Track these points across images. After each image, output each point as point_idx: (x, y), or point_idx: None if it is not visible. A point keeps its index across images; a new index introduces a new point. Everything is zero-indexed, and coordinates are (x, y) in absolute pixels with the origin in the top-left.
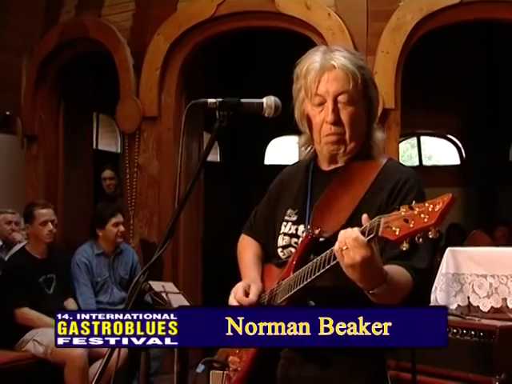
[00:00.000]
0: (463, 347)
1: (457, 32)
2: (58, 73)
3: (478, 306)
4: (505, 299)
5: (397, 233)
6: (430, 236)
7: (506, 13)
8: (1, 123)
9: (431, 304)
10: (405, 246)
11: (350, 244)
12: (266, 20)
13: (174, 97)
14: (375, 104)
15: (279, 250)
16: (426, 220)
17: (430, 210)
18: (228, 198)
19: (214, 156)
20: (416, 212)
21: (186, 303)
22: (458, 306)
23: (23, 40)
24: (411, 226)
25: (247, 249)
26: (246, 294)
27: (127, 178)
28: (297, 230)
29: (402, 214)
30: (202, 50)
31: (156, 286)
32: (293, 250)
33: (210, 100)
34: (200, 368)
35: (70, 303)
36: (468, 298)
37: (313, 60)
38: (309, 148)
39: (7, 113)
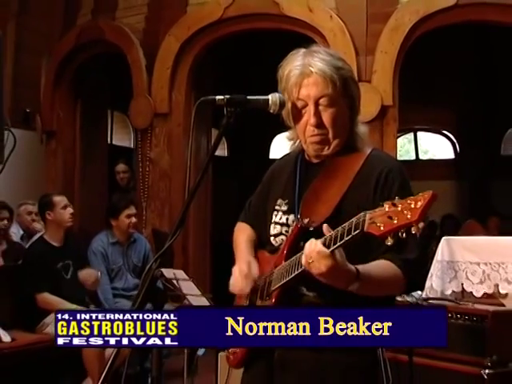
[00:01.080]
0: (457, 330)
1: (453, 32)
2: (75, 72)
3: (471, 292)
4: (497, 285)
5: (381, 228)
6: (413, 232)
7: (500, 15)
8: (21, 120)
9: (427, 290)
10: (389, 241)
11: (314, 257)
12: (271, 22)
13: (184, 94)
14: (356, 100)
15: (271, 238)
16: (408, 216)
17: (412, 206)
18: (235, 189)
19: (222, 151)
20: (399, 208)
21: (196, 290)
22: (453, 291)
23: (43, 41)
24: (395, 222)
25: (241, 235)
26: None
27: (140, 171)
28: (287, 219)
29: (386, 210)
30: (211, 50)
31: (167, 273)
32: (284, 238)
33: (218, 97)
34: (201, 351)
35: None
36: (462, 284)
37: (293, 66)
38: (297, 142)
39: (27, 110)
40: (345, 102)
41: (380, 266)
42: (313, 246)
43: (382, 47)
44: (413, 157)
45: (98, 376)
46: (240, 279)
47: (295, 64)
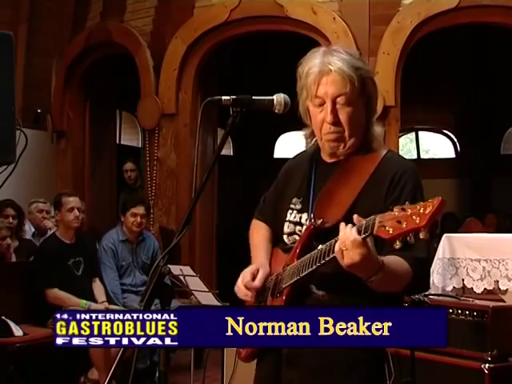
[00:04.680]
0: (458, 326)
1: (452, 33)
2: (84, 74)
3: (471, 288)
4: (497, 281)
5: (390, 232)
6: (421, 237)
7: (499, 17)
8: (33, 120)
9: (429, 288)
10: (397, 245)
11: (349, 245)
12: (275, 24)
13: (191, 95)
14: (374, 100)
15: (285, 236)
16: (417, 221)
17: (420, 212)
18: (240, 188)
19: (228, 150)
20: (408, 213)
21: (203, 286)
22: (454, 288)
23: (53, 44)
24: (404, 226)
25: (257, 232)
26: (254, 279)
27: (147, 170)
28: (301, 218)
29: (396, 214)
30: (217, 52)
31: (174, 269)
32: (297, 237)
33: (224, 97)
34: None
35: (97, 285)
36: (463, 280)
37: (312, 64)
38: (314, 139)
39: (38, 111)
40: (362, 101)
41: (396, 261)
42: (348, 234)
43: (384, 49)
44: (414, 156)
45: (103, 368)
46: (242, 288)
47: (315, 62)
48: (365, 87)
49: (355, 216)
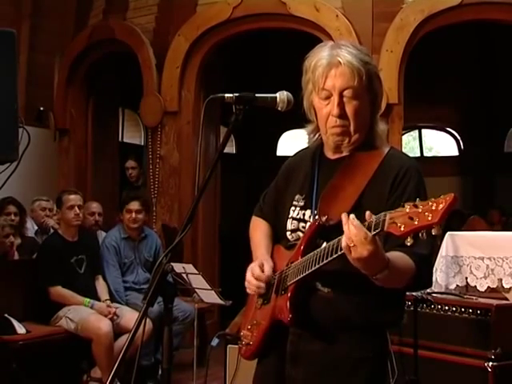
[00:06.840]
0: (462, 324)
1: (456, 32)
2: (87, 71)
3: (475, 286)
4: (500, 280)
5: (402, 229)
6: (434, 233)
7: (503, 14)
8: (35, 118)
9: (432, 285)
10: (409, 242)
11: (357, 241)
12: (278, 21)
13: (193, 93)
14: (379, 97)
15: (288, 233)
16: (429, 218)
17: (433, 208)
18: (242, 186)
19: (230, 148)
20: (420, 210)
21: (205, 283)
22: (457, 286)
23: (56, 41)
24: (416, 223)
25: (257, 229)
26: (262, 271)
27: (150, 168)
28: (304, 214)
29: (407, 210)
30: (220, 49)
31: (177, 267)
32: (300, 234)
33: (227, 95)
34: (214, 341)
35: (100, 284)
36: (466, 278)
37: (321, 56)
38: (316, 135)
39: (41, 108)
40: (368, 96)
41: (401, 258)
42: (356, 230)
43: (387, 46)
44: (417, 154)
45: (106, 367)
46: (253, 281)
47: (323, 54)
48: (372, 83)
49: (368, 212)
